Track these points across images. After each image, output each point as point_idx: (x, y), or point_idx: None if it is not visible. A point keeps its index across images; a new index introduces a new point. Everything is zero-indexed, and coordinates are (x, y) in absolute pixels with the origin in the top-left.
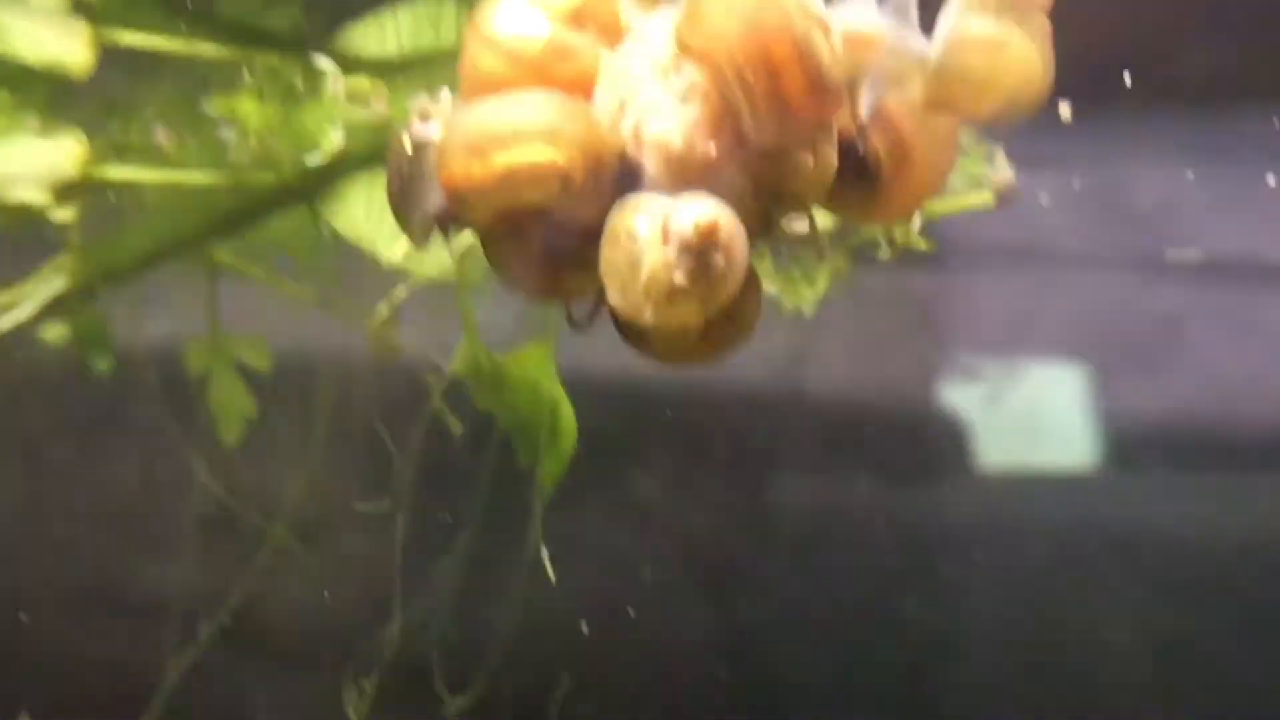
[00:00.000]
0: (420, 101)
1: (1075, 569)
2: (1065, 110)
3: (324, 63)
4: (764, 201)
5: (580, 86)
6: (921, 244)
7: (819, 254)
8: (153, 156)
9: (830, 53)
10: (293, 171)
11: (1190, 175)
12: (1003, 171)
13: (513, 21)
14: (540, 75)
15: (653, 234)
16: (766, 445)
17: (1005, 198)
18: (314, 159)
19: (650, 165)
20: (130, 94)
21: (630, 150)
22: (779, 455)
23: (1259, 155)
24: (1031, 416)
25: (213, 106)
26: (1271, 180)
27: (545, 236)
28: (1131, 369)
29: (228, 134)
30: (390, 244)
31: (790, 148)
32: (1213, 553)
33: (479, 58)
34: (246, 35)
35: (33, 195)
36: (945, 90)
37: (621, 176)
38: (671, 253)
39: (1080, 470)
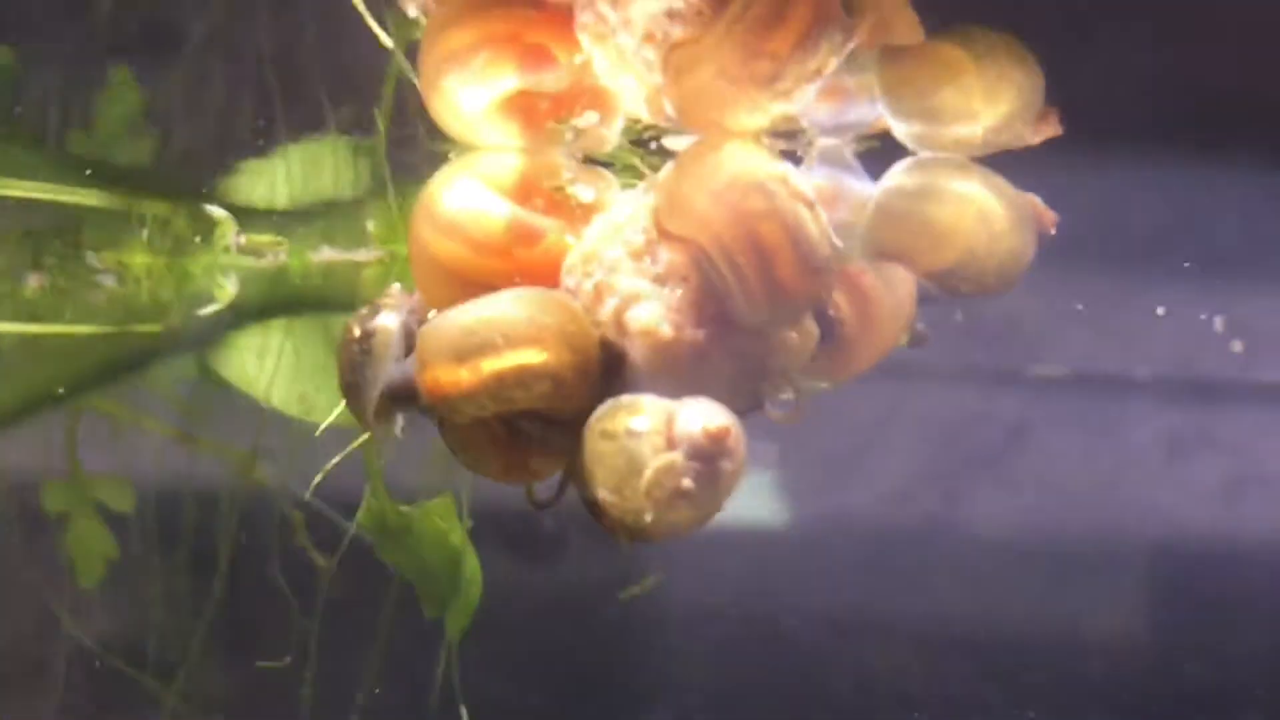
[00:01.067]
0: (382, 295)
1: (922, 667)
2: None
3: (216, 211)
4: (752, 381)
5: (544, 268)
6: None
7: (795, 420)
8: (24, 307)
9: (819, 230)
10: (180, 321)
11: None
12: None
13: (467, 202)
14: (501, 258)
15: (655, 435)
16: None
17: (916, 340)
18: (205, 307)
19: (637, 353)
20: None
21: (612, 336)
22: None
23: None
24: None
25: (97, 257)
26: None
27: (514, 424)
28: (981, 478)
29: (108, 281)
30: (280, 394)
31: (777, 326)
32: (1060, 656)
33: (433, 241)
34: (131, 181)
35: None
36: (882, 239)
37: (604, 364)
38: (679, 456)
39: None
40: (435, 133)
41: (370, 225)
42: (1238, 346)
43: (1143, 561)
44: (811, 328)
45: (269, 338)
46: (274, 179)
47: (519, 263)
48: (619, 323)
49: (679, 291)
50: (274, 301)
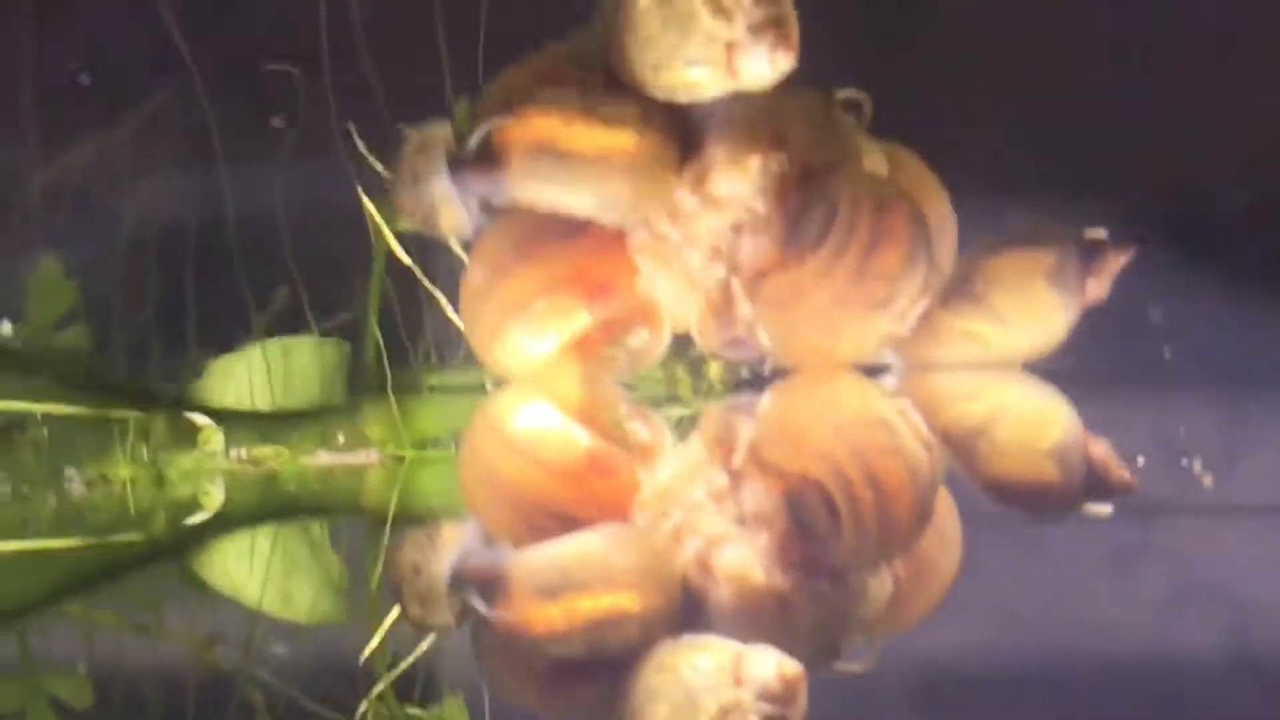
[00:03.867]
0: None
1: None
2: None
3: (199, 419)
4: (834, 630)
5: (614, 500)
6: None
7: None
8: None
9: (934, 474)
10: (163, 529)
11: None
12: None
13: (543, 424)
14: (576, 485)
15: (719, 673)
16: None
17: None
18: (192, 515)
19: (721, 596)
20: None
21: (693, 577)
22: None
23: None
24: None
25: (79, 470)
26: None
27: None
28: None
29: (87, 491)
30: (266, 595)
31: (873, 567)
32: None
33: (502, 460)
34: (106, 393)
35: None
36: None
37: (684, 606)
38: (747, 695)
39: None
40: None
41: (370, 429)
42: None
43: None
44: (888, 578)
45: (256, 542)
46: (249, 379)
47: (592, 492)
48: (703, 565)
49: (764, 536)
50: (266, 509)
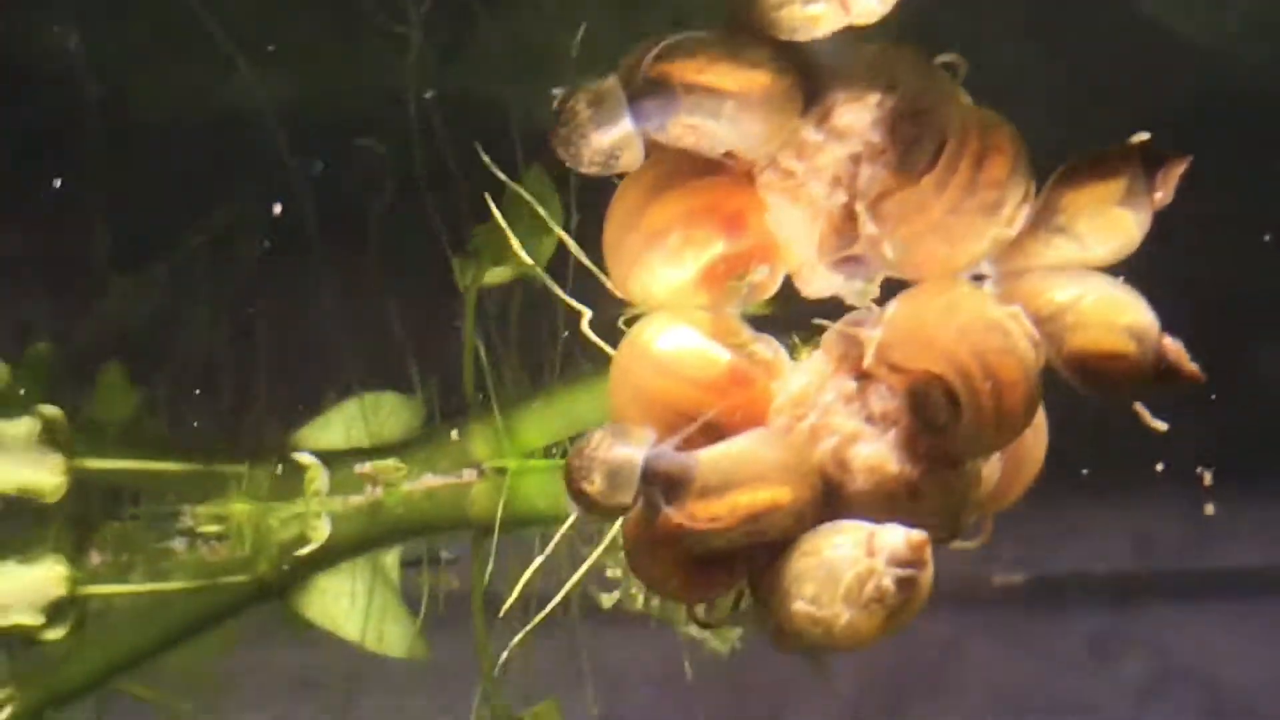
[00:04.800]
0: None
1: None
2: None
3: (305, 458)
4: (956, 512)
5: (754, 409)
6: None
7: (984, 542)
8: (130, 570)
9: (1039, 368)
10: (269, 568)
11: None
12: None
13: (687, 345)
14: (720, 396)
15: (856, 548)
16: None
17: None
18: (301, 551)
19: (859, 487)
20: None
21: (830, 472)
22: None
23: None
24: None
25: (194, 516)
26: None
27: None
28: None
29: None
30: (366, 631)
31: (990, 454)
32: None
33: (650, 379)
34: (211, 448)
35: (26, 617)
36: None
37: (825, 496)
38: (879, 562)
39: None
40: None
41: (474, 447)
42: None
43: None
44: (997, 463)
45: (357, 578)
46: (346, 429)
47: (734, 402)
48: (839, 460)
49: (892, 432)
50: (369, 537)
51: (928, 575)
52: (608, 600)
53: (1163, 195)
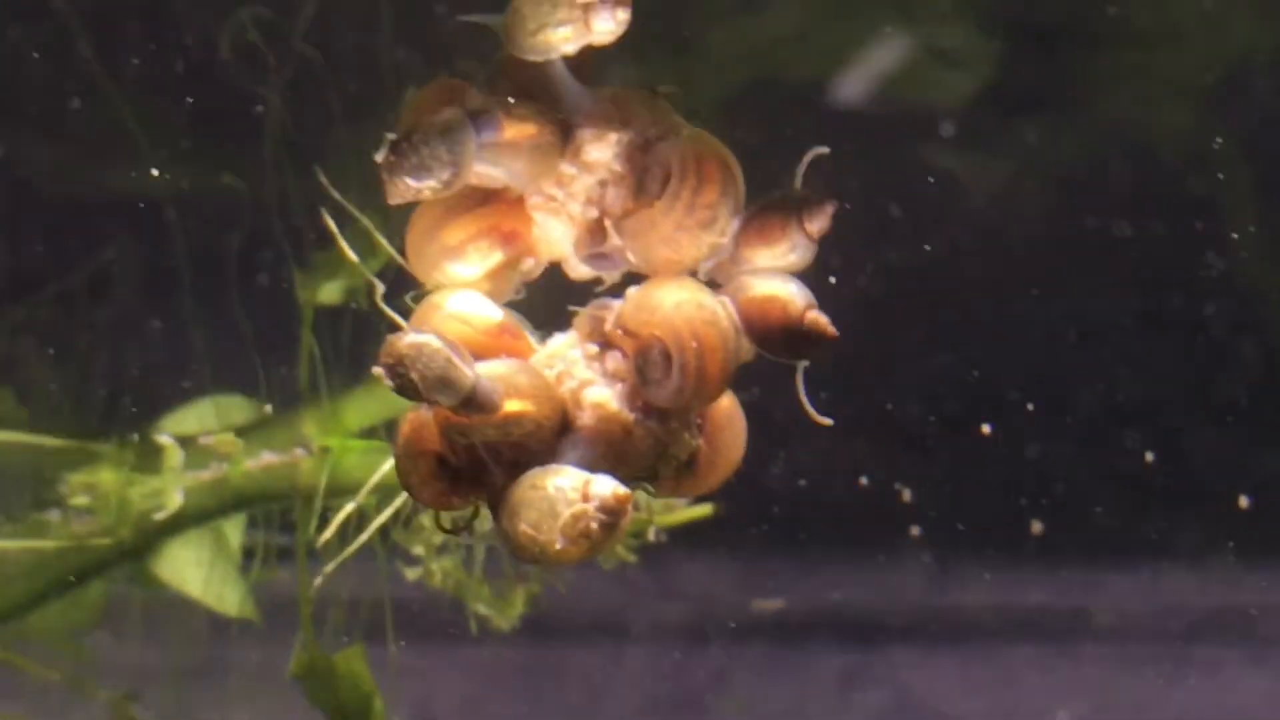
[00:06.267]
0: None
1: None
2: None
3: (165, 440)
4: (653, 459)
5: (519, 356)
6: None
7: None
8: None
9: (739, 346)
10: (131, 533)
11: None
12: None
13: (470, 303)
14: (494, 341)
15: (573, 491)
16: None
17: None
18: (157, 516)
19: (585, 421)
20: None
21: (569, 408)
22: None
23: None
24: None
25: (65, 484)
26: None
27: (463, 462)
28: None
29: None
30: (210, 591)
31: (682, 419)
32: None
33: (443, 324)
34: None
35: None
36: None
37: (560, 425)
38: (591, 507)
39: None
40: None
41: (305, 429)
42: None
43: None
44: (695, 436)
45: (216, 543)
46: (197, 419)
47: (505, 348)
48: (575, 398)
49: (618, 386)
50: (215, 506)
51: (625, 521)
52: (412, 574)
53: (820, 228)
